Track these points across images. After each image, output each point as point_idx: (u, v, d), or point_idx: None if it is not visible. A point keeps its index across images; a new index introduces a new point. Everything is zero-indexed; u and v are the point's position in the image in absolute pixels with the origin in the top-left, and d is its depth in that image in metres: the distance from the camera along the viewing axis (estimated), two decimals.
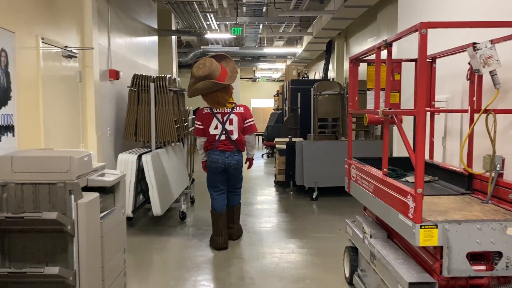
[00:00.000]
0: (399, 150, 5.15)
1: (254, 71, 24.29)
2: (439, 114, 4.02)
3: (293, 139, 7.37)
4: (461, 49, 3.08)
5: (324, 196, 6.93)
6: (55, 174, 2.55)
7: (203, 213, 5.95)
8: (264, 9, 9.77)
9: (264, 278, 3.78)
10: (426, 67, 2.24)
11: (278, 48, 15.10)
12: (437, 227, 2.21)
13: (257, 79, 25.55)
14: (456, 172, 3.17)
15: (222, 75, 4.50)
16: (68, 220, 2.44)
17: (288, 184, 7.92)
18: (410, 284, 2.31)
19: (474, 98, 3.00)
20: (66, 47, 4.23)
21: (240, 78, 22.52)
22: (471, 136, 3.00)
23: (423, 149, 2.31)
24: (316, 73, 15.54)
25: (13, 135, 3.17)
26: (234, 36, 12.35)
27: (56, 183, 2.50)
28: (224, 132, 4.55)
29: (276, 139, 9.16)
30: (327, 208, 6.33)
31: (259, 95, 26.42)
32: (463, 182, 3.05)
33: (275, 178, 8.31)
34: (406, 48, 4.95)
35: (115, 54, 5.76)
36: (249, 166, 5.04)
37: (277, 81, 26.29)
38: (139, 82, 5.52)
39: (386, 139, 2.94)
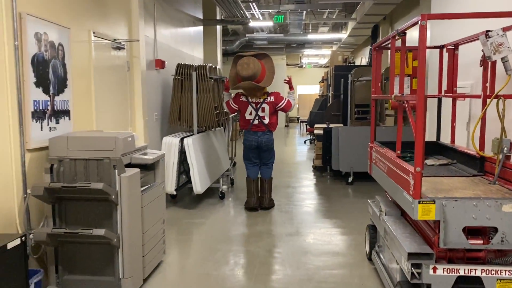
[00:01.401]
0: (430, 135, 5.24)
1: (300, 57, 24.29)
2: (464, 99, 4.11)
3: (333, 125, 7.55)
4: (477, 37, 3.18)
5: (359, 180, 7.09)
6: (103, 152, 2.98)
7: (241, 193, 6.32)
8: None
9: (289, 251, 4.10)
10: (425, 56, 2.43)
11: (322, 34, 15.11)
12: (434, 203, 2.42)
13: (304, 65, 25.53)
14: (470, 155, 3.31)
15: (262, 75, 5.25)
16: (113, 190, 2.87)
17: (325, 169, 8.13)
18: (409, 254, 2.54)
19: (487, 84, 3.12)
20: (115, 39, 4.69)
21: (286, 64, 22.65)
22: (483, 120, 3.13)
23: (422, 132, 2.51)
24: (362, 59, 15.42)
25: (69, 119, 3.66)
26: (278, 24, 12.54)
27: (103, 159, 2.93)
28: (257, 118, 5.37)
29: (315, 125, 9.35)
30: (361, 192, 6.51)
31: (305, 82, 26.39)
32: (476, 164, 3.19)
33: (313, 163, 8.54)
34: (440, 33, 5.01)
35: (160, 44, 6.21)
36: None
37: (324, 67, 26.12)
38: (182, 71, 5.94)
39: (400, 123, 3.13)
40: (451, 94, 3.76)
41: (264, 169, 5.62)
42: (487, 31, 2.92)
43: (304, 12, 11.86)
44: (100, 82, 4.30)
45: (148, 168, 3.53)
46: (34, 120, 3.15)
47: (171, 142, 5.46)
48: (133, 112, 5.29)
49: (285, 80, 5.67)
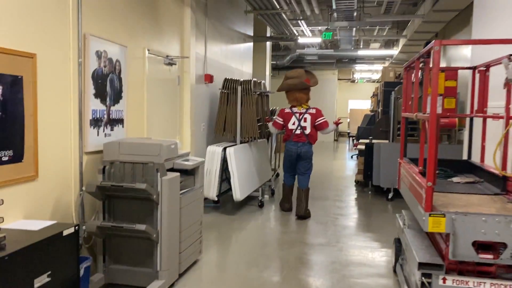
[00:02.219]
0: (475, 154, 5.25)
1: (352, 72, 24.23)
2: (498, 120, 4.15)
3: (378, 141, 7.64)
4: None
5: (400, 197, 7.10)
6: (148, 157, 3.37)
7: (278, 204, 6.57)
8: (355, 13, 10.04)
9: (318, 259, 4.29)
10: (438, 78, 2.60)
11: (373, 50, 15.11)
12: (444, 216, 2.57)
13: (356, 80, 25.41)
14: (495, 175, 3.38)
15: (306, 81, 5.93)
16: (155, 191, 3.24)
17: (367, 184, 8.19)
18: (420, 264, 2.69)
19: (511, 106, 3.20)
20: (167, 56, 5.15)
21: (338, 79, 22.70)
22: (506, 140, 3.20)
23: (434, 148, 2.66)
24: (413, 75, 15.23)
25: (123, 126, 4.11)
26: (328, 39, 12.75)
27: (148, 163, 3.32)
28: (299, 128, 5.83)
29: (360, 141, 9.43)
30: (399, 208, 6.53)
31: (357, 96, 26.22)
32: (500, 184, 3.26)
33: (355, 177, 8.63)
34: (481, 54, 5.05)
35: (210, 60, 6.65)
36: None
37: (376, 82, 25.87)
38: (229, 85, 6.33)
39: (422, 139, 3.27)
40: (481, 114, 3.84)
41: (301, 178, 5.96)
42: (510, 54, 3.03)
43: (354, 29, 12.01)
44: (152, 94, 4.75)
45: (189, 173, 3.88)
46: (91, 126, 3.61)
47: (214, 151, 5.84)
48: (181, 122, 5.73)
49: (335, 121, 6.15)
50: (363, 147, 7.94)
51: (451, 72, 4.12)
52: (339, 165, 12.10)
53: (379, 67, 19.33)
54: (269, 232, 5.23)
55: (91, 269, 3.26)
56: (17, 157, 2.85)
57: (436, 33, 11.20)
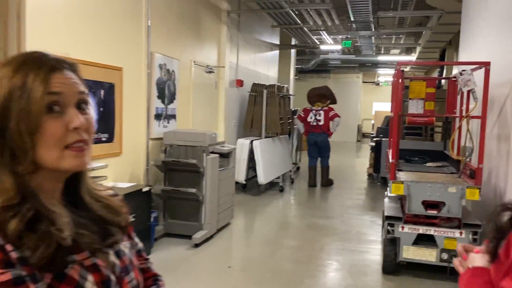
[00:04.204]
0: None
1: (377, 75, 25.07)
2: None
3: (386, 139, 8.72)
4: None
5: None
6: (197, 142, 4.64)
7: (297, 191, 7.78)
8: (372, 24, 11.10)
9: (323, 226, 5.47)
10: (398, 89, 3.76)
11: (392, 56, 16.07)
12: (403, 183, 3.72)
13: (380, 83, 26.21)
14: (456, 160, 4.49)
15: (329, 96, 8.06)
16: (201, 165, 4.51)
17: (377, 177, 9.28)
18: (387, 216, 3.85)
19: (463, 107, 4.31)
20: (207, 65, 6.44)
21: (362, 82, 23.63)
22: (459, 133, 4.32)
23: (396, 138, 3.81)
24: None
25: (175, 120, 5.40)
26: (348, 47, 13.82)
27: (197, 146, 4.60)
28: (315, 120, 7.73)
29: (374, 139, 10.51)
30: None
31: (381, 99, 26.97)
32: (457, 166, 4.38)
33: (367, 171, 9.73)
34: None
35: (241, 67, 7.90)
36: (329, 136, 8.12)
37: None
38: (256, 89, 7.58)
39: (394, 133, 4.42)
40: (447, 115, 4.94)
41: (322, 160, 8.17)
42: (462, 70, 4.15)
43: (373, 37, 13.05)
44: (196, 96, 6.04)
45: (224, 156, 5.14)
46: (155, 120, 4.91)
47: (243, 143, 7.09)
48: (217, 119, 7.01)
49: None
50: (373, 144, 9.04)
51: (431, 82, 5.27)
52: (357, 162, 13.17)
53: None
54: (287, 209, 6.45)
55: (157, 220, 4.56)
56: (110, 138, 4.17)
57: (450, 40, 12.15)
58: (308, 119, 7.98)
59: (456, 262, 1.01)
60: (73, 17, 3.59)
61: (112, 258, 0.85)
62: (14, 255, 0.70)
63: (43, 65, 0.77)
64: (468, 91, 4.29)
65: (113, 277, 0.82)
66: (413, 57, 15.24)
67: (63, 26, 3.49)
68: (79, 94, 0.80)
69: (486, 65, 3.61)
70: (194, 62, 5.94)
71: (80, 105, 0.80)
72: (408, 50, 16.80)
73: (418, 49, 13.81)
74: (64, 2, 3.48)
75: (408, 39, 14.01)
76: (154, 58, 4.83)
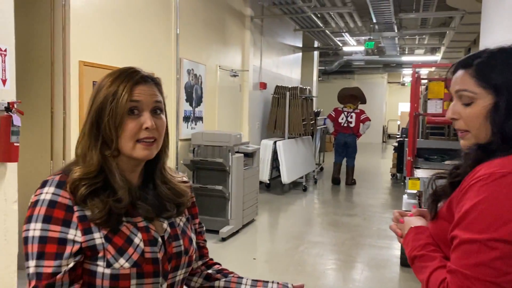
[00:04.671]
0: None
1: (402, 76, 24.90)
2: None
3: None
4: None
5: None
6: (223, 142, 4.93)
7: (320, 190, 7.97)
8: (394, 25, 11.19)
9: (345, 223, 5.67)
10: (414, 89, 3.93)
11: (416, 56, 16.04)
12: (419, 179, 3.90)
13: (405, 84, 26.00)
14: None
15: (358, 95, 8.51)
16: (227, 164, 4.79)
17: (401, 176, 9.37)
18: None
19: None
20: (232, 69, 6.73)
21: (388, 82, 23.53)
22: None
23: (412, 137, 3.99)
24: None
25: (202, 122, 5.71)
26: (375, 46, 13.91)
27: (223, 146, 4.88)
28: (346, 122, 8.01)
29: (397, 139, 10.59)
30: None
31: (407, 99, 26.78)
32: None
33: (390, 171, 9.83)
34: None
35: (264, 70, 8.17)
36: (358, 138, 8.41)
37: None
38: (279, 91, 7.82)
39: (410, 132, 4.58)
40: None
41: (348, 160, 8.40)
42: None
43: (396, 38, 13.10)
44: (221, 99, 6.34)
45: (249, 156, 5.41)
46: (183, 122, 5.23)
47: (267, 144, 7.35)
48: (241, 120, 7.29)
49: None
50: (396, 144, 9.15)
51: (450, 81, 5.40)
52: (382, 163, 13.24)
53: (425, 71, 20.05)
54: (310, 207, 6.66)
55: None
56: None
57: (474, 40, 12.10)
58: (339, 120, 8.31)
59: (393, 226, 1.20)
60: (110, 29, 3.93)
61: (165, 226, 1.09)
62: (76, 214, 0.96)
63: (131, 79, 1.03)
64: None
65: (160, 239, 1.06)
66: (438, 57, 15.18)
67: (102, 37, 3.83)
68: (155, 103, 1.05)
69: None
70: (219, 66, 6.24)
71: (156, 111, 1.05)
72: (433, 50, 16.71)
73: (443, 49, 13.77)
74: (102, 14, 3.82)
75: (432, 39, 13.99)
76: (182, 63, 5.15)
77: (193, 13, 5.46)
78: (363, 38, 12.85)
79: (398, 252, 4.50)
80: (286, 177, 7.21)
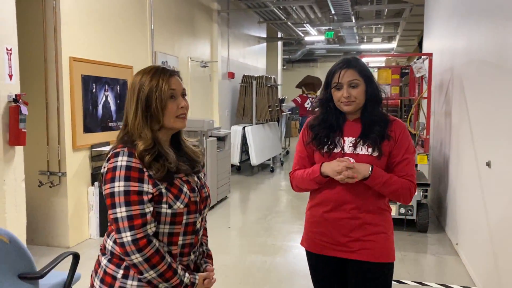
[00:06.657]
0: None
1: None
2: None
3: None
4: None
5: None
6: (197, 127, 5.47)
7: (287, 171, 8.62)
8: (351, 16, 11.92)
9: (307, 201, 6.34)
10: None
11: (374, 44, 16.93)
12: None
13: None
14: (413, 134, 5.36)
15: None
16: (202, 147, 5.34)
17: None
18: None
19: (417, 90, 5.17)
20: (202, 61, 7.24)
21: None
22: (416, 113, 5.18)
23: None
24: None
25: None
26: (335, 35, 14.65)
27: (198, 130, 5.43)
28: (311, 106, 8.87)
29: None
30: None
31: None
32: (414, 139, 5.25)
33: None
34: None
35: (232, 61, 8.71)
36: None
37: None
38: (246, 80, 8.40)
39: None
40: (408, 97, 5.82)
41: None
42: (417, 59, 5.00)
43: (354, 28, 13.87)
44: (193, 88, 6.86)
45: (221, 139, 5.98)
46: None
47: (236, 129, 7.93)
48: (212, 108, 7.83)
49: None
50: None
51: (396, 69, 6.13)
52: None
53: (383, 58, 21.05)
54: (276, 185, 7.32)
55: None
56: None
57: (421, 31, 13.02)
58: (305, 105, 9.40)
59: (348, 174, 1.70)
60: (95, 28, 4.40)
61: (196, 179, 1.52)
62: (146, 173, 1.35)
63: (166, 73, 1.47)
64: (421, 77, 5.16)
65: (196, 188, 1.49)
66: (393, 45, 16.11)
67: (88, 35, 4.30)
68: (183, 90, 1.51)
69: (429, 56, 4.46)
70: (190, 58, 6.75)
71: (183, 95, 1.51)
72: (390, 38, 17.65)
73: (398, 37, 14.67)
74: (87, 15, 4.28)
75: (388, 28, 14.87)
76: (157, 56, 5.63)
77: (165, 10, 5.94)
78: (324, 28, 13.56)
79: None
80: (255, 160, 7.83)
